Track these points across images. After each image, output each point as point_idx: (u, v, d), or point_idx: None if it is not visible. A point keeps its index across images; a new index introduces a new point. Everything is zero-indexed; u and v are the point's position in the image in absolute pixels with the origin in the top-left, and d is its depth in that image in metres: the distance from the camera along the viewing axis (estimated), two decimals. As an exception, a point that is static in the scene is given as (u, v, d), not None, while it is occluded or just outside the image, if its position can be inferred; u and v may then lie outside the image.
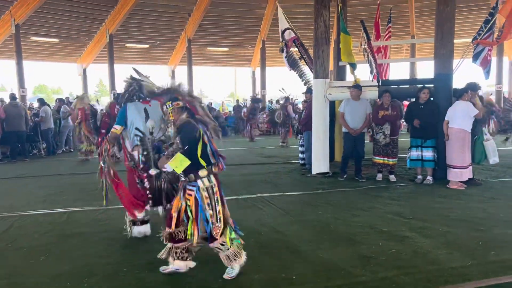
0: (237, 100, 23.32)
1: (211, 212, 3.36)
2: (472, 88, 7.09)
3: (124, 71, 18.32)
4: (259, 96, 20.73)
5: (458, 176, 6.77)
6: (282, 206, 5.85)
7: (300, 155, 9.35)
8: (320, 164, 8.12)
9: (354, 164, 7.75)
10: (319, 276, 3.55)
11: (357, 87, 7.53)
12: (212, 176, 3.40)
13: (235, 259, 3.46)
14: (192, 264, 3.61)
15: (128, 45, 21.86)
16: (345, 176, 7.61)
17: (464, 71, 8.81)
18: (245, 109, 17.13)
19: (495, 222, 4.96)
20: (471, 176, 6.87)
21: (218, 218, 3.38)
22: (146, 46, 22.33)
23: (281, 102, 14.36)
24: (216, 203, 3.39)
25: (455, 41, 7.53)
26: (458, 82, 7.86)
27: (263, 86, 23.23)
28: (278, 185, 7.33)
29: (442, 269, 3.64)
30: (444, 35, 7.30)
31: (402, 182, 7.30)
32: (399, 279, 3.47)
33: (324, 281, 3.47)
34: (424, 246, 4.20)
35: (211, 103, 22.69)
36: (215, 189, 3.41)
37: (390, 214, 5.37)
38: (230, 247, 3.44)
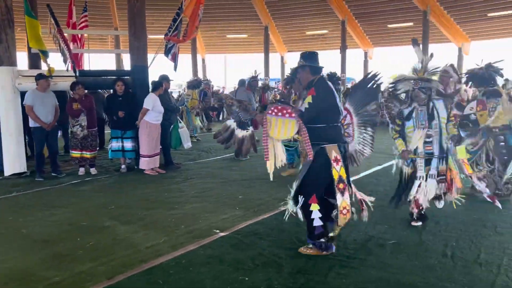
0: None
1: None
2: (166, 79, 7.72)
3: None
4: None
5: (147, 164, 7.17)
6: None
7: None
8: (14, 163, 7.16)
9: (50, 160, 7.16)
10: (3, 290, 3.13)
11: (43, 77, 6.82)
12: None
13: None
14: None
15: None
16: (43, 175, 6.94)
17: (162, 65, 9.52)
18: None
19: (187, 199, 5.61)
20: (157, 165, 7.40)
21: None
22: None
23: None
24: None
25: (152, 36, 8.00)
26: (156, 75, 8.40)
27: None
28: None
29: (139, 251, 3.84)
30: (136, 29, 7.63)
31: (107, 174, 7.29)
32: (95, 270, 3.44)
33: (9, 294, 3.09)
34: (122, 233, 4.32)
35: None
36: None
37: (92, 207, 5.28)
38: None
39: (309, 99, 3.48)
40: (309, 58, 3.69)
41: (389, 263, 3.49)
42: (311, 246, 3.70)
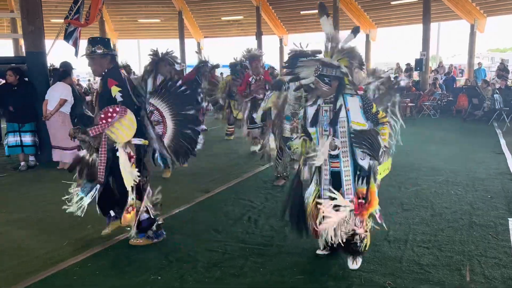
0: None
1: None
2: (69, 66, 7.10)
3: None
4: None
5: (69, 156, 6.57)
6: None
7: None
8: None
9: None
10: None
11: None
12: None
13: None
14: None
15: None
16: None
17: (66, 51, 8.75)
18: None
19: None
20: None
21: None
22: None
23: None
24: None
25: (55, 20, 7.25)
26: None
27: None
28: None
29: (36, 257, 3.44)
30: (29, 11, 6.86)
31: (3, 172, 6.53)
32: (-18, 285, 3.02)
33: None
34: (16, 239, 3.86)
35: None
36: None
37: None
38: None
39: (116, 89, 3.39)
40: (109, 46, 3.55)
41: (305, 247, 3.48)
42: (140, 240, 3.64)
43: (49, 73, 7.33)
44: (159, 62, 5.29)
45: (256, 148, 6.94)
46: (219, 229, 3.95)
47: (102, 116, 3.34)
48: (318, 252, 3.33)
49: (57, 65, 7.64)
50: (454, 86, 15.45)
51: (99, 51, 3.46)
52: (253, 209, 4.52)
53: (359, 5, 20.46)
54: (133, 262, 3.32)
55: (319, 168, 3.11)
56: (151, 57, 5.44)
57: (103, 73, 3.50)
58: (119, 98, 3.38)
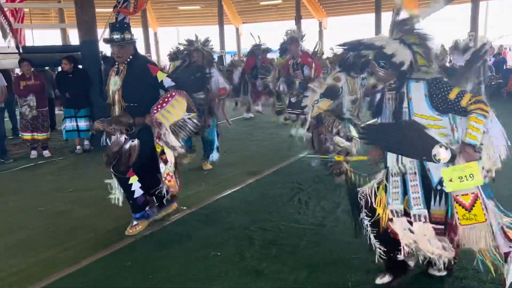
0: None
1: None
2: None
3: None
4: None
5: None
6: None
7: None
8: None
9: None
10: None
11: None
12: None
13: None
14: None
15: None
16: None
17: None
18: None
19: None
20: None
21: None
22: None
23: None
24: None
25: (99, 10, 7.52)
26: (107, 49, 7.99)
27: None
28: None
29: (101, 234, 3.69)
30: (83, 1, 7.15)
31: (61, 155, 6.93)
32: (60, 255, 3.32)
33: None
34: (82, 217, 4.14)
35: None
36: None
37: (47, 191, 5.01)
38: None
39: (162, 74, 3.46)
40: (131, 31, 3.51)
41: (357, 228, 3.53)
42: (135, 223, 3.66)
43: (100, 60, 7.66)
44: (192, 51, 5.22)
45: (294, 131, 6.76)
46: (271, 210, 4.06)
47: (161, 101, 3.44)
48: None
49: (108, 53, 7.90)
50: (505, 67, 14.76)
51: (127, 37, 3.39)
52: (302, 191, 4.60)
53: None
54: (192, 239, 3.50)
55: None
56: (185, 46, 5.39)
57: (128, 60, 3.46)
58: (169, 83, 3.46)
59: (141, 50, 21.18)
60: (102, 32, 8.27)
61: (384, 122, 2.50)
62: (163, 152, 3.54)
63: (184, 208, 4.15)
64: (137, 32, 21.70)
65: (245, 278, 2.86)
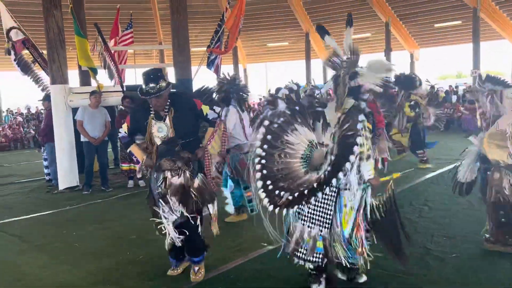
0: None
1: None
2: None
3: None
4: None
5: None
6: (16, 233, 5.05)
7: (45, 170, 8.36)
8: (67, 177, 7.45)
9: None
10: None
11: (94, 93, 7.10)
12: None
13: None
14: None
15: None
16: (90, 190, 7.10)
17: (202, 77, 9.61)
18: None
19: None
20: None
21: None
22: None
23: None
24: None
25: (195, 49, 8.11)
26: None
27: None
28: (13, 208, 6.32)
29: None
30: (180, 42, 7.75)
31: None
32: (143, 285, 3.45)
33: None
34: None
35: None
36: None
37: (139, 220, 5.32)
38: None
39: (206, 107, 3.57)
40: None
41: (451, 279, 3.23)
42: (197, 268, 3.50)
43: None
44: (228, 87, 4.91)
45: None
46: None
47: (210, 135, 3.68)
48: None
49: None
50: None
51: (163, 85, 3.22)
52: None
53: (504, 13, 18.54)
54: (271, 277, 3.45)
55: None
56: (221, 81, 4.99)
57: (168, 102, 3.32)
58: (213, 115, 3.60)
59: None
60: (196, 70, 8.85)
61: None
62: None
63: (265, 244, 4.13)
64: (228, 68, 22.96)
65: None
